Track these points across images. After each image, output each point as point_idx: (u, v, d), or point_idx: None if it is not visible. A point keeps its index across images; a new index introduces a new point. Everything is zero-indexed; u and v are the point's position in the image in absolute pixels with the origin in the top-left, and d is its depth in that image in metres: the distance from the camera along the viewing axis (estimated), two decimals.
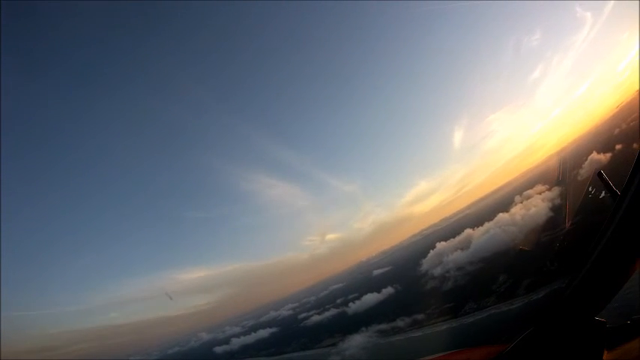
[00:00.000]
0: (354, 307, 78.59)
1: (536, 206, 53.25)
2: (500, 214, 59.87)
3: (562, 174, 49.48)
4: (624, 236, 2.36)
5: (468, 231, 69.99)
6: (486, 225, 63.32)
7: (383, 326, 53.41)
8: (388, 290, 74.61)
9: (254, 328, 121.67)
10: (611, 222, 2.37)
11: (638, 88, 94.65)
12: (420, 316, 48.65)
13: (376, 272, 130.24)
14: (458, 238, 71.67)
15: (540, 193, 59.23)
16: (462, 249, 62.58)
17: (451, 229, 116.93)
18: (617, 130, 64.36)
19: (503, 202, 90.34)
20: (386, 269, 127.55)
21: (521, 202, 63.74)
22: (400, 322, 50.94)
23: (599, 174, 2.99)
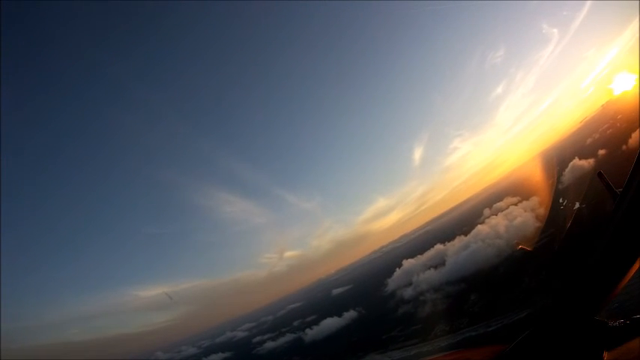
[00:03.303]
0: (311, 333, 64.54)
1: (520, 216, 43.29)
2: (479, 227, 49.80)
3: (553, 181, 41.48)
4: (624, 236, 2.26)
5: (438, 247, 58.95)
6: (460, 239, 52.84)
7: None
8: (350, 314, 61.04)
9: (209, 350, 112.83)
10: (611, 222, 2.29)
11: (603, 103, 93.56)
12: (396, 354, 35.34)
13: (336, 291, 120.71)
14: (427, 255, 60.70)
15: (517, 204, 52.92)
16: (434, 267, 50.53)
17: (412, 245, 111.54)
18: (589, 140, 60.53)
19: (468, 216, 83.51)
20: (346, 288, 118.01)
21: (495, 215, 55.22)
22: None
23: (600, 174, 2.77)
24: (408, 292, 50.03)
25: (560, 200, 39.69)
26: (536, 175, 58.62)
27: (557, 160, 58.06)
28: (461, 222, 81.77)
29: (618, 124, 53.53)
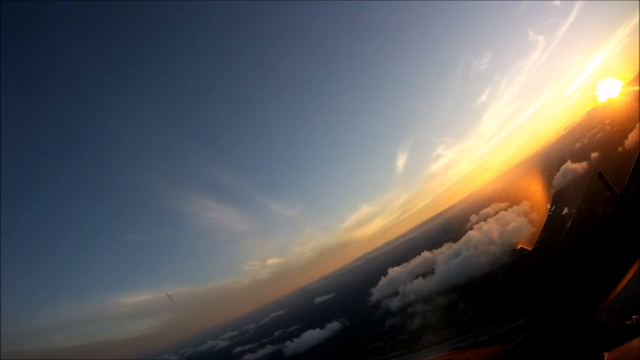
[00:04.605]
0: (292, 346, 59.21)
1: (514, 221, 39.88)
2: (470, 232, 46.14)
3: (547, 184, 44.45)
4: (624, 236, 2.24)
5: (425, 254, 54.94)
6: (448, 246, 48.88)
7: None
8: (334, 325, 56.00)
9: None
10: (611, 222, 2.27)
11: (588, 110, 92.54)
12: None
13: (319, 299, 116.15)
14: (413, 262, 56.60)
15: (506, 209, 49.22)
16: (423, 275, 46.32)
17: (397, 252, 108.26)
18: (578, 145, 59.19)
19: (454, 223, 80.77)
20: (329, 296, 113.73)
21: (484, 221, 51.22)
22: None
23: (600, 174, 2.73)
24: (395, 303, 45.63)
25: (556, 202, 37.04)
26: (525, 180, 55.93)
27: (548, 164, 56.57)
28: (447, 228, 79.17)
29: (609, 128, 51.56)
